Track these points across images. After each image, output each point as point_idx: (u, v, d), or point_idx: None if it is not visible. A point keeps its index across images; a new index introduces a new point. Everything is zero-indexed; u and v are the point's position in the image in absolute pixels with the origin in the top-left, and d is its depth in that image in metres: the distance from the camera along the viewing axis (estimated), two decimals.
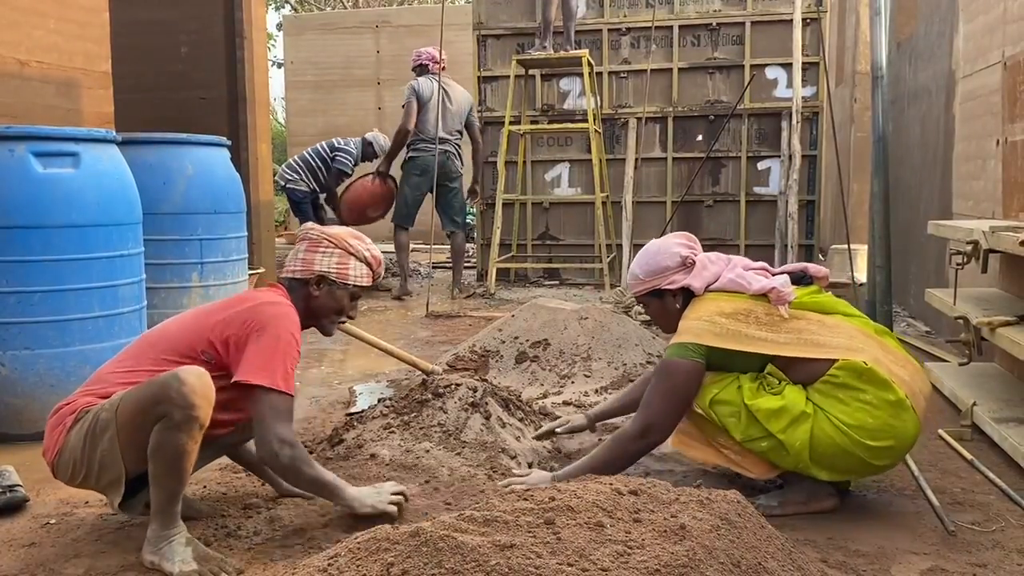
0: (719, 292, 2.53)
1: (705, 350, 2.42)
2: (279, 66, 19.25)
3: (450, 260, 7.34)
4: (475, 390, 3.06)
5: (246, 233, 4.63)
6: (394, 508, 2.27)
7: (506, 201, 7.34)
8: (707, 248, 2.72)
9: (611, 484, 1.86)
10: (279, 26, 19.02)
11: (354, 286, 2.41)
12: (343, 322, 2.49)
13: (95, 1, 4.58)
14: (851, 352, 2.35)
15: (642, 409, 2.49)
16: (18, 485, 2.52)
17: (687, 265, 2.58)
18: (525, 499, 1.78)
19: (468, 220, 8.29)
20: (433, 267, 8.42)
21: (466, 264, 9.12)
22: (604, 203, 7.13)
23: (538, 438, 2.98)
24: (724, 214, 7.45)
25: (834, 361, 2.34)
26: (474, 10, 7.89)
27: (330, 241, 2.40)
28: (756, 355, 2.42)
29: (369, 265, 2.43)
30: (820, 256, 7.86)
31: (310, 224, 2.49)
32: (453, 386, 3.08)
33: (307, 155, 7.88)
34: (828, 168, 8.42)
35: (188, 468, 2.06)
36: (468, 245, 9.97)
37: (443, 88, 6.69)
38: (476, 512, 1.71)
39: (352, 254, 2.40)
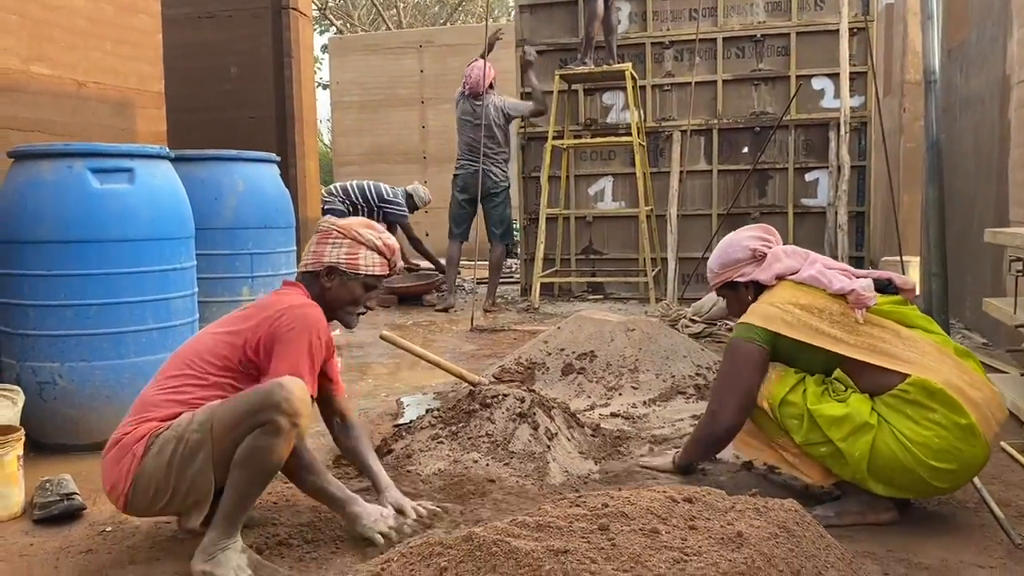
0: (797, 284, 2.49)
1: (771, 336, 2.39)
2: (324, 87, 19.57)
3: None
4: (523, 400, 3.04)
5: (295, 247, 4.69)
6: (379, 537, 2.18)
7: (550, 216, 7.34)
8: None
9: (665, 492, 1.83)
10: (324, 48, 19.35)
11: (366, 275, 2.35)
12: (362, 312, 2.43)
13: (149, 24, 4.70)
14: (924, 369, 2.27)
15: (711, 394, 2.51)
16: (75, 493, 2.57)
17: (757, 258, 2.59)
18: (577, 505, 1.76)
19: (515, 235, 8.28)
20: (477, 283, 8.44)
21: (509, 279, 9.12)
22: (648, 216, 7.09)
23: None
24: (771, 226, 7.31)
25: (905, 376, 2.27)
26: (517, 27, 7.93)
27: (339, 231, 2.34)
28: (822, 353, 2.36)
29: (381, 253, 2.36)
30: (871, 268, 7.70)
31: (327, 217, 2.44)
32: (500, 396, 3.07)
33: (350, 189, 8.09)
34: (877, 179, 8.27)
35: (272, 478, 2.06)
36: (511, 260, 9.89)
37: (471, 106, 6.94)
38: (529, 518, 1.70)
39: (362, 243, 2.34)
